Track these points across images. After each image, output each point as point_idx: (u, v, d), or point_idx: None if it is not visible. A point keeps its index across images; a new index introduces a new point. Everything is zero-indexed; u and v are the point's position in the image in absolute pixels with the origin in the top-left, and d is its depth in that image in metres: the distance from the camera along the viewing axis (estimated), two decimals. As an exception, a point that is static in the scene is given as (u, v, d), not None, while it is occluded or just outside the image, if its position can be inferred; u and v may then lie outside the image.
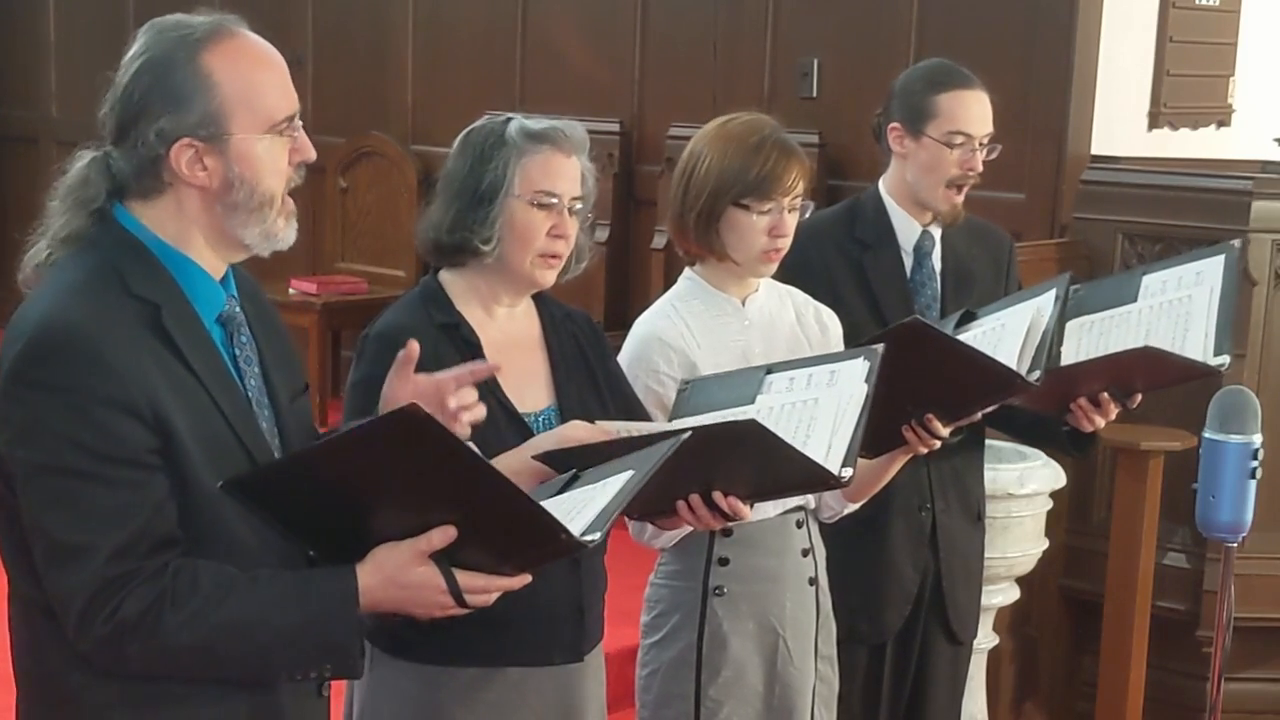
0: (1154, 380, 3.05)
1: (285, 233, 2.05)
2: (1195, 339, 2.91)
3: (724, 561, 2.90)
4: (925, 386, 2.70)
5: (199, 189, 2.00)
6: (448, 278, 2.66)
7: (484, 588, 1.97)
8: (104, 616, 1.88)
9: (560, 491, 2.13)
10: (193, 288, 2.02)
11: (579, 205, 2.63)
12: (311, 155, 2.06)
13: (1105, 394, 3.01)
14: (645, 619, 2.99)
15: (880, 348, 2.47)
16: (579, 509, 2.00)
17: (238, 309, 2.08)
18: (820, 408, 2.41)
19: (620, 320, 6.03)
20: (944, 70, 3.36)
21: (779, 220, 2.87)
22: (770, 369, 2.55)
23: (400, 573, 1.94)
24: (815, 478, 2.35)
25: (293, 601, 1.93)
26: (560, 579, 2.54)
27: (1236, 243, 3.09)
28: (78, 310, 1.92)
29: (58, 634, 1.94)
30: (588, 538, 1.92)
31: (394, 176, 6.90)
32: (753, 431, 2.29)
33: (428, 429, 1.84)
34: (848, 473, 2.35)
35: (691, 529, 2.63)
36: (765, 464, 2.35)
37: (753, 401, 2.47)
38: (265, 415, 2.08)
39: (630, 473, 2.08)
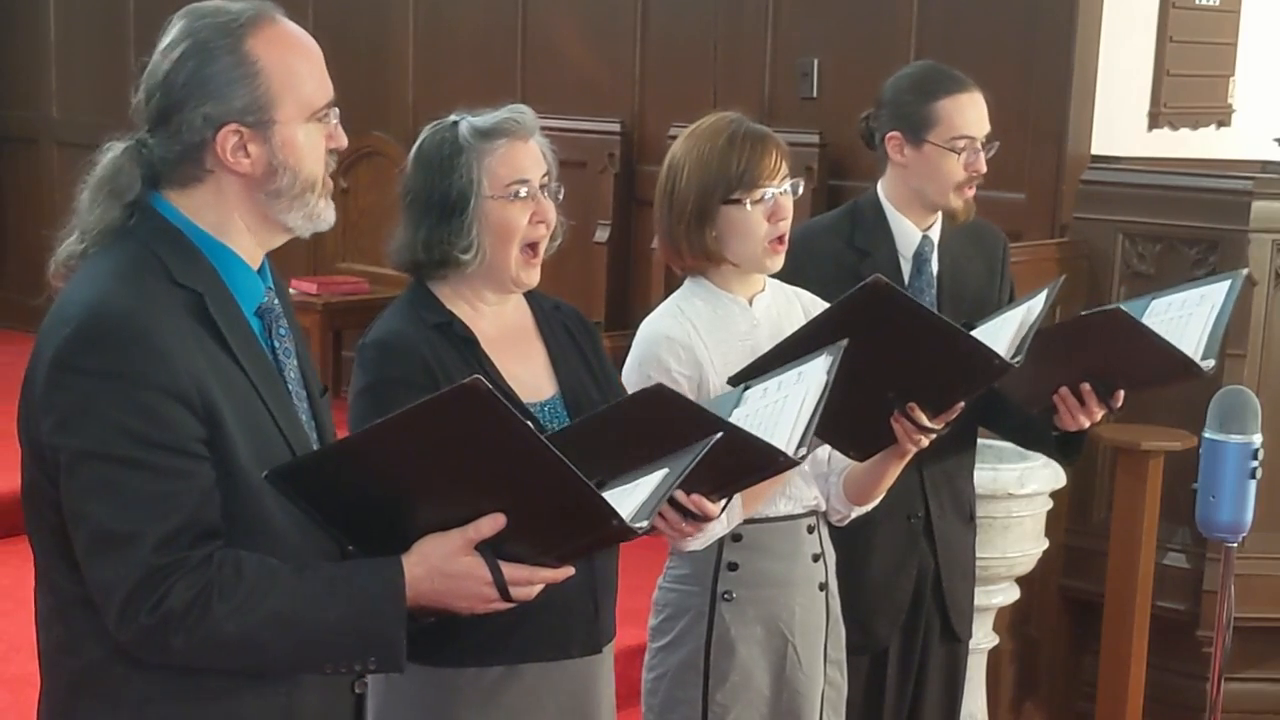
0: (1133, 368, 3.00)
1: (327, 213, 2.06)
2: (1188, 344, 2.91)
3: (733, 566, 2.89)
4: (902, 368, 2.67)
5: (241, 176, 1.99)
6: (433, 283, 2.66)
7: (527, 579, 1.95)
8: (149, 607, 1.86)
9: None
10: (232, 278, 2.02)
11: (549, 184, 2.63)
12: (344, 143, 2.07)
13: (1087, 386, 2.99)
14: (653, 622, 2.98)
15: (844, 342, 2.45)
16: (621, 502, 1.98)
17: (276, 300, 2.09)
18: (788, 403, 2.41)
19: (620, 320, 6.05)
20: (938, 75, 3.32)
21: (775, 205, 2.84)
22: (746, 385, 2.54)
23: (446, 563, 1.92)
24: (769, 460, 2.32)
25: (338, 593, 1.91)
26: (575, 573, 2.53)
27: (1245, 270, 3.09)
28: (126, 297, 1.91)
29: (98, 627, 1.92)
30: (637, 525, 1.91)
31: (394, 176, 6.87)
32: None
33: (491, 404, 1.80)
34: (801, 452, 2.32)
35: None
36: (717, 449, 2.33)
37: (728, 416, 2.45)
38: (304, 408, 2.08)
39: (665, 470, 2.07)
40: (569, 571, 1.98)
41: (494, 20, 6.72)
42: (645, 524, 1.93)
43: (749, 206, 2.83)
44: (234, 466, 1.92)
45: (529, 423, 1.88)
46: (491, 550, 1.92)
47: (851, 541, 3.19)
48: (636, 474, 2.10)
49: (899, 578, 3.33)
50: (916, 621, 3.37)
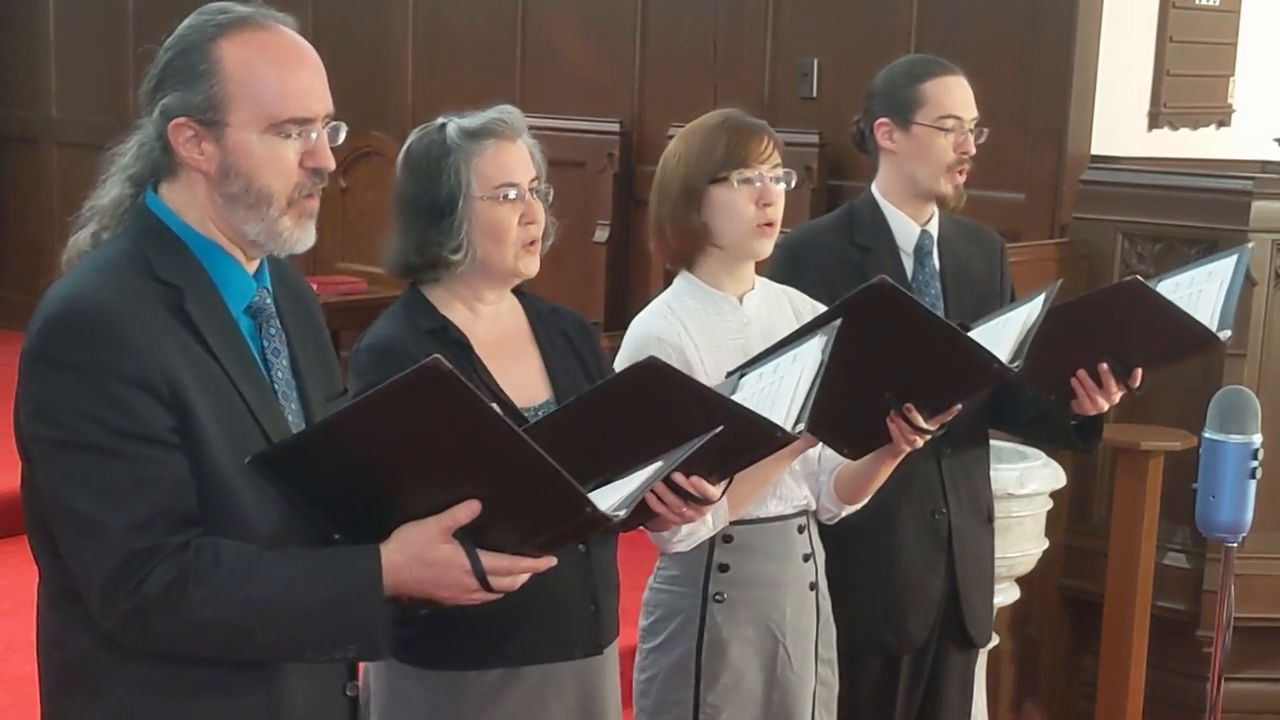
0: (1151, 343, 3.00)
1: (294, 233, 2.03)
2: (1202, 317, 2.91)
3: (724, 568, 2.89)
4: (902, 368, 2.66)
5: (202, 174, 2.01)
6: (427, 287, 2.66)
7: (508, 569, 1.94)
8: (127, 592, 1.88)
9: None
10: (222, 275, 2.03)
11: (538, 185, 2.63)
12: (328, 164, 2.03)
13: (1105, 366, 2.99)
14: (643, 623, 2.98)
15: (837, 322, 2.45)
16: (606, 497, 1.99)
17: (269, 301, 2.09)
18: (784, 383, 2.42)
19: (620, 320, 6.04)
20: (923, 61, 3.38)
21: (764, 188, 2.84)
22: (743, 373, 2.53)
23: (425, 550, 1.91)
24: (766, 435, 2.32)
25: (315, 580, 1.92)
26: (573, 573, 2.54)
27: (1250, 245, 3.09)
28: (98, 290, 1.94)
29: (84, 620, 1.94)
30: (615, 513, 1.91)
31: (394, 177, 6.90)
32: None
33: (450, 383, 1.80)
34: (799, 428, 2.31)
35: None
36: (714, 427, 2.32)
37: None
38: (292, 408, 2.07)
39: (660, 463, 2.08)
40: (551, 561, 1.97)
41: (494, 20, 6.72)
42: (623, 513, 1.93)
43: (735, 185, 2.83)
44: (207, 459, 1.93)
45: (495, 405, 1.87)
46: (472, 539, 1.91)
47: (875, 541, 3.19)
48: (637, 469, 2.10)
49: (929, 575, 3.29)
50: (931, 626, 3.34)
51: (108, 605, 1.89)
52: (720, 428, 2.16)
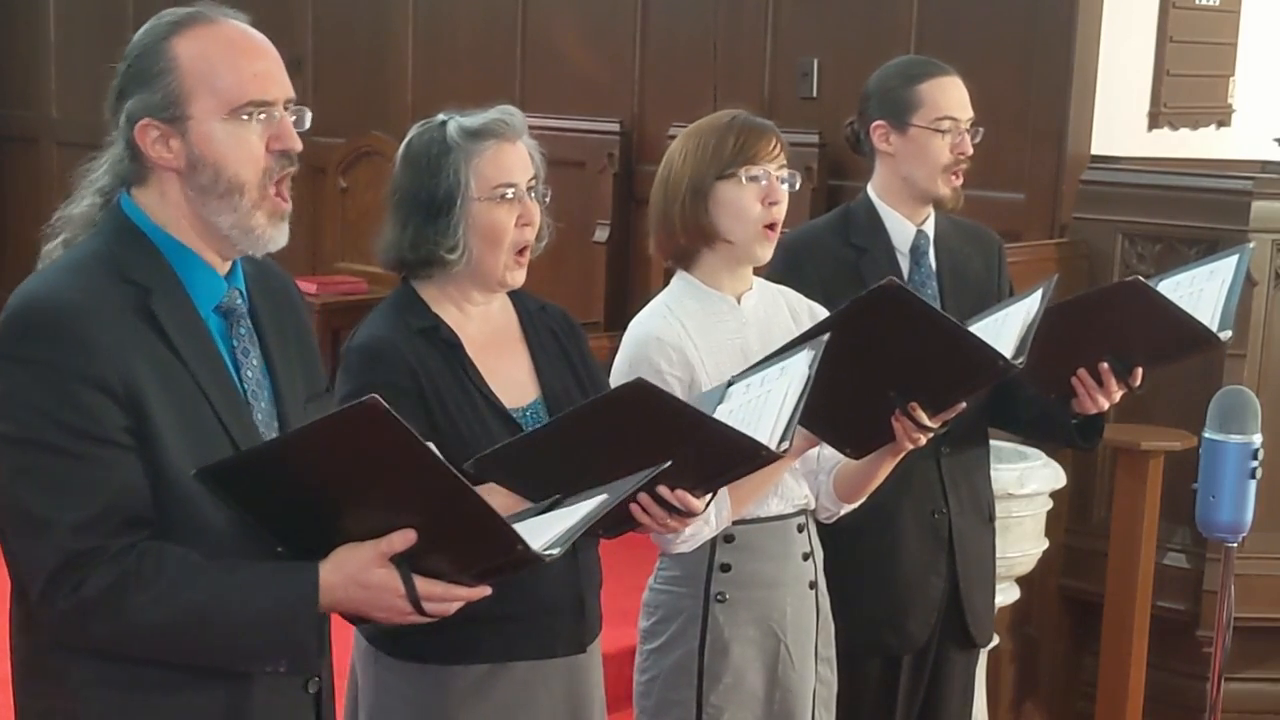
0: (1151, 342, 3.01)
1: (268, 231, 2.04)
2: (1203, 316, 2.91)
3: (725, 568, 2.88)
4: (906, 367, 2.66)
5: (174, 172, 2.02)
6: (419, 283, 2.66)
7: (442, 595, 1.96)
8: (66, 591, 1.90)
9: (541, 514, 2.13)
10: (190, 276, 2.04)
11: (535, 186, 2.63)
12: (293, 145, 2.04)
13: (1105, 365, 2.99)
14: (644, 624, 2.97)
15: (825, 337, 2.46)
16: (549, 527, 2.01)
17: (239, 301, 2.09)
18: (770, 397, 2.43)
19: (620, 320, 6.04)
20: (918, 61, 3.38)
21: (770, 187, 2.84)
22: (730, 381, 2.54)
23: (360, 573, 1.93)
24: (752, 453, 2.33)
25: (252, 594, 1.93)
26: (559, 572, 2.54)
27: (1251, 245, 3.10)
28: (63, 289, 1.96)
29: None
30: (547, 552, 1.93)
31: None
32: (673, 409, 2.27)
33: (386, 423, 1.82)
34: (784, 446, 2.33)
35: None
36: (699, 445, 2.34)
37: (712, 413, 2.46)
38: (262, 408, 2.08)
39: (604, 496, 2.09)
40: (485, 591, 1.98)
41: (494, 20, 6.72)
42: (556, 551, 1.94)
43: (744, 181, 2.83)
44: (164, 461, 1.94)
45: (430, 445, 1.89)
46: (409, 564, 1.94)
47: (875, 541, 3.19)
48: (591, 494, 2.11)
49: (930, 575, 3.29)
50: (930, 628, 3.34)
51: (46, 603, 1.92)
52: (668, 463, 2.19)
